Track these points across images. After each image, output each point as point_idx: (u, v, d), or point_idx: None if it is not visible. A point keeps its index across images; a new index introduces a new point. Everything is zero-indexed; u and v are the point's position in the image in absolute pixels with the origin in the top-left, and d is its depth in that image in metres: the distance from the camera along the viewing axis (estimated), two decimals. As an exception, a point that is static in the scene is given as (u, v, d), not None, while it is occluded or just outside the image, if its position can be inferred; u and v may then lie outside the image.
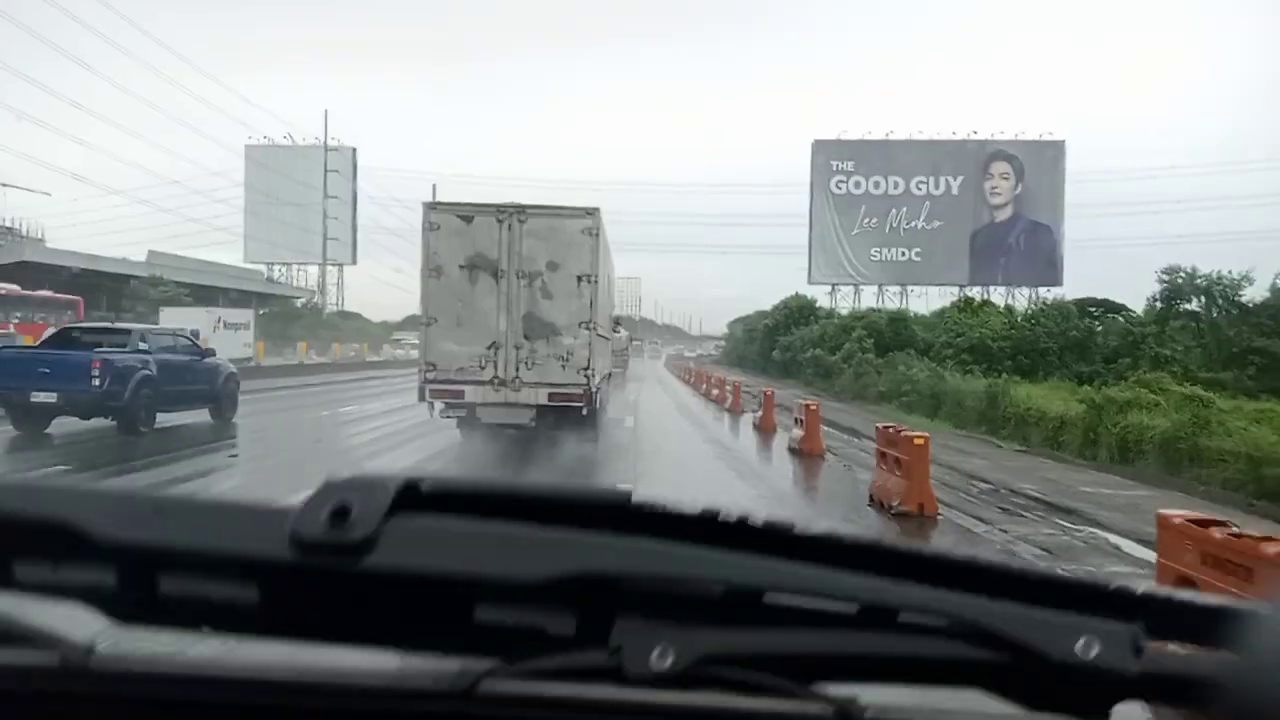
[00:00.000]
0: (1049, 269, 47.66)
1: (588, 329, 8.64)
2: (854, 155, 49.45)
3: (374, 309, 74.69)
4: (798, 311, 39.72)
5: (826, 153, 49.93)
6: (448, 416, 9.13)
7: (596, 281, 8.68)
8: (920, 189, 48.77)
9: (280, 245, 47.73)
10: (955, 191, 48.58)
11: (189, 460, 8.20)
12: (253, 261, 49.68)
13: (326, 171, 44.51)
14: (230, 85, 79.83)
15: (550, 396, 8.65)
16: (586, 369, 8.65)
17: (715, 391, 19.32)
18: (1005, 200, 48.51)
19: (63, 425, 9.41)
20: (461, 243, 8.52)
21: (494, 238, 8.54)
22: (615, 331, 19.15)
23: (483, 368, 8.54)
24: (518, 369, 8.58)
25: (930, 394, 17.17)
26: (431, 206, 8.69)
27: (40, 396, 8.94)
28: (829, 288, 49.67)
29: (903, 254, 49.24)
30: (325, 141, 45.06)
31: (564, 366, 8.65)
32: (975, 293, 46.29)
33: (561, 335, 8.62)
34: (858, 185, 49.27)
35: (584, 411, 8.90)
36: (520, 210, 8.66)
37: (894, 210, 48.68)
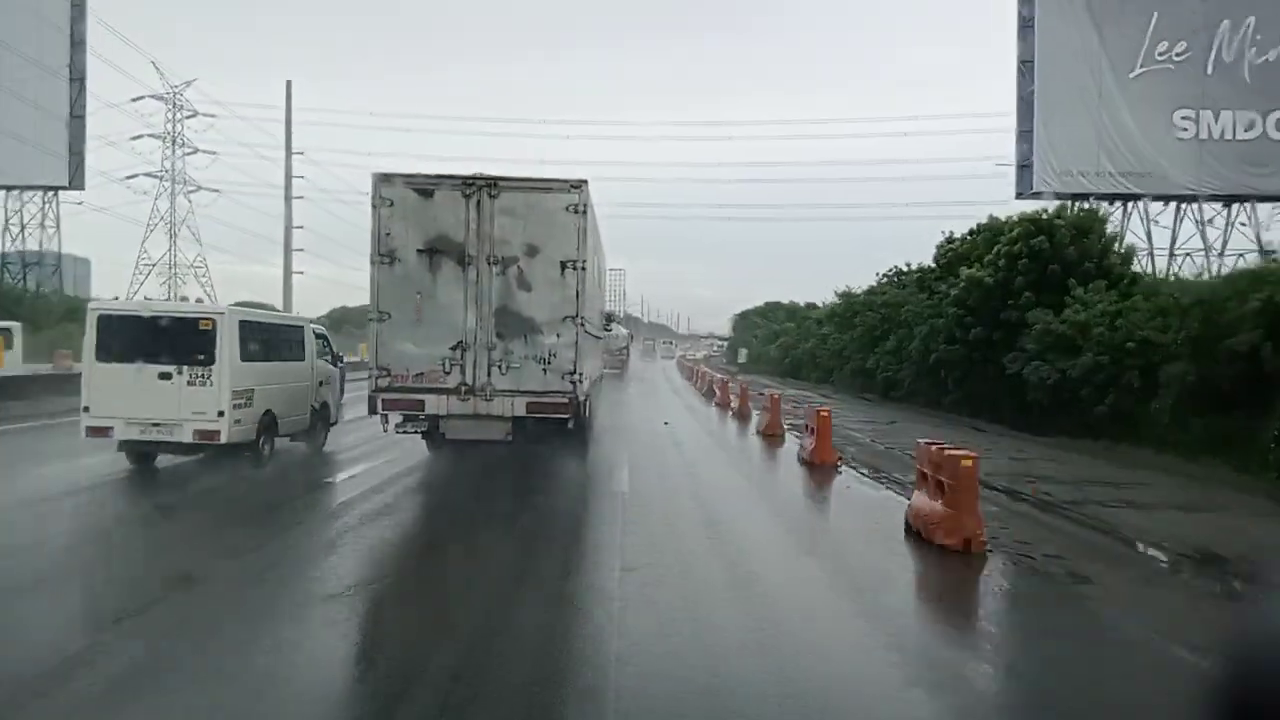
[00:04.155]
0: None
1: (574, 325, 11.41)
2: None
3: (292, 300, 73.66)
4: (1076, 253, 23.58)
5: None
6: (405, 431, 12.29)
7: (584, 269, 11.45)
8: (1279, -17, 42.11)
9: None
10: (1349, -11, 41.72)
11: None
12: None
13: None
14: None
15: (529, 407, 11.55)
16: (573, 374, 11.50)
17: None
18: None
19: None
20: (420, 222, 11.41)
21: (460, 216, 11.42)
22: (607, 329, 22.26)
23: (447, 373, 11.53)
24: (489, 374, 11.61)
25: None
26: (383, 178, 11.49)
27: None
28: (1065, 203, 31.68)
29: (1249, 124, 40.99)
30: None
31: (545, 371, 11.55)
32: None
33: (542, 333, 11.50)
34: (1147, -30, 42.03)
35: (570, 425, 11.79)
36: (491, 183, 11.43)
37: (1226, 22, 41.51)
